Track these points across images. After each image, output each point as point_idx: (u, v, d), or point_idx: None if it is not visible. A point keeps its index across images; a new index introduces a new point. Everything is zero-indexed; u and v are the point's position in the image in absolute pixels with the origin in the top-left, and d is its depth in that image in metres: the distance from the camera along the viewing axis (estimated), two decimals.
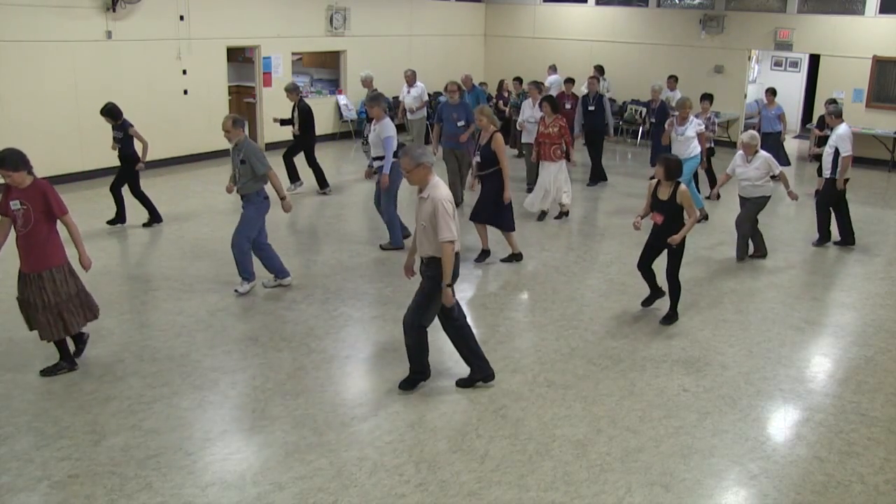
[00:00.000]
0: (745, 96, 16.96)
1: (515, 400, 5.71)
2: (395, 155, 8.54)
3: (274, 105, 14.86)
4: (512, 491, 4.63)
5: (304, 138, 11.67)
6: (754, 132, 9.08)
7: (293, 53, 15.40)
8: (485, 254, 8.84)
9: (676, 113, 10.65)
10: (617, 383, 6.02)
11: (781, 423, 5.58)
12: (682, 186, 6.97)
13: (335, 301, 7.55)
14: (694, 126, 10.40)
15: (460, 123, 10.60)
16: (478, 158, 8.48)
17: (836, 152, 9.34)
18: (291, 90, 11.60)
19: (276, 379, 5.94)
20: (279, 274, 7.78)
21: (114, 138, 9.54)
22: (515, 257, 8.82)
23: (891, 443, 5.29)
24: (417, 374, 5.83)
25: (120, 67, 12.23)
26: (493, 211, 8.48)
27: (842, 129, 9.44)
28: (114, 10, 11.92)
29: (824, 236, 9.79)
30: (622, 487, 4.69)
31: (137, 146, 9.53)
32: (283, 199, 7.42)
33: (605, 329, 7.06)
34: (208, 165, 13.39)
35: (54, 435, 5.09)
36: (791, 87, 18.23)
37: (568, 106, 13.87)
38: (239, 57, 15.31)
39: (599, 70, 16.06)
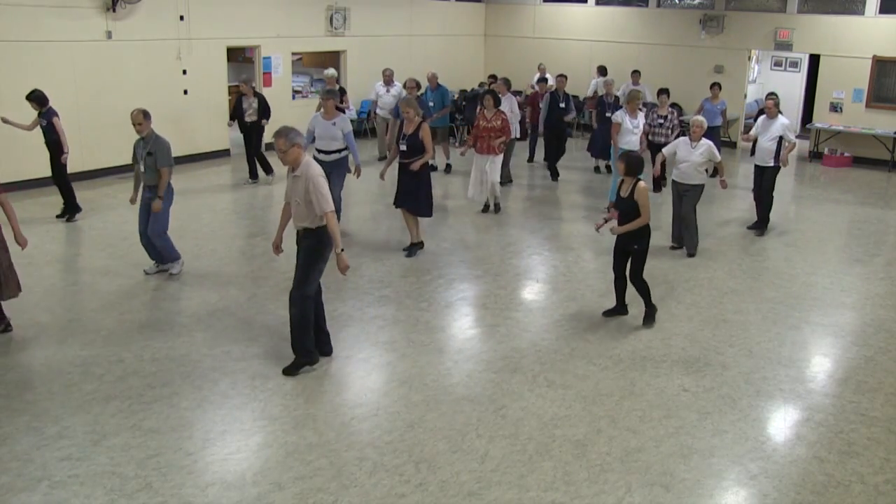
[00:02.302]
0: (745, 96, 16.95)
1: (515, 400, 5.71)
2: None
3: (274, 105, 14.82)
4: (512, 491, 4.63)
5: (259, 127, 12.13)
6: (703, 118, 9.24)
7: (293, 53, 15.40)
8: (415, 246, 9.03)
9: (626, 105, 10.85)
10: (617, 383, 6.02)
11: (781, 423, 5.58)
12: (642, 184, 6.83)
13: (335, 301, 7.54)
14: (641, 118, 10.68)
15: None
16: (403, 147, 8.61)
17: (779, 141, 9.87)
18: (244, 81, 12.16)
19: (276, 379, 5.93)
20: (161, 261, 8.12)
21: (39, 125, 9.79)
22: (417, 246, 9.03)
23: (891, 443, 5.29)
24: (303, 356, 6.04)
25: (120, 67, 12.23)
26: (417, 198, 8.78)
27: (785, 119, 10.10)
28: (114, 10, 11.92)
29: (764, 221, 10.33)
30: (622, 487, 4.69)
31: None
32: (159, 197, 7.74)
33: (605, 329, 7.06)
34: (208, 165, 13.39)
35: (54, 435, 5.09)
36: (791, 87, 18.23)
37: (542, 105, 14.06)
38: (239, 57, 15.33)
39: (602, 71, 16.17)
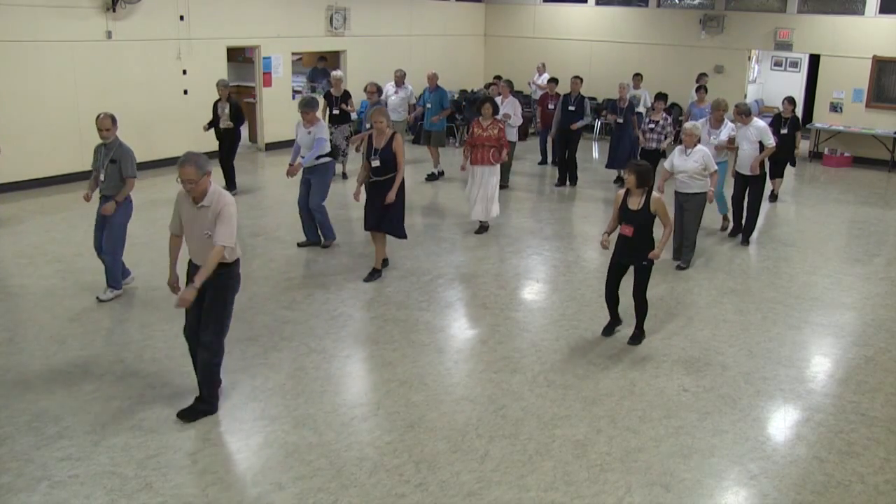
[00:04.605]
0: (745, 96, 16.96)
1: (515, 400, 5.71)
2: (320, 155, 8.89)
3: (274, 105, 14.89)
4: (512, 491, 4.63)
5: (233, 134, 11.59)
6: (696, 123, 8.91)
7: (293, 53, 15.41)
8: (377, 273, 8.27)
9: (708, 114, 10.14)
10: (617, 383, 6.02)
11: (781, 423, 5.58)
12: (656, 194, 6.48)
13: (335, 301, 7.55)
14: (728, 130, 9.82)
15: (367, 126, 10.44)
16: (377, 162, 7.84)
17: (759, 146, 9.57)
18: (224, 86, 11.53)
19: (276, 379, 5.94)
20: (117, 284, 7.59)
21: None
22: (378, 273, 8.25)
23: (891, 443, 5.29)
24: (209, 402, 5.44)
25: (120, 67, 12.24)
26: (397, 217, 8.08)
27: (761, 122, 9.83)
28: (114, 10, 11.92)
29: (741, 226, 10.03)
30: (622, 487, 4.69)
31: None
32: (118, 202, 7.19)
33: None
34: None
35: (54, 435, 5.09)
36: (791, 87, 18.24)
37: (551, 106, 13.82)
38: (239, 57, 15.34)
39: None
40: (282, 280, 8.12)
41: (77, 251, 8.87)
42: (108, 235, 7.32)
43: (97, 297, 7.45)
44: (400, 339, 6.73)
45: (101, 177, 7.23)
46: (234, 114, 11.52)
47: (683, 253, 8.84)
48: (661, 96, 11.65)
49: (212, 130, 11.65)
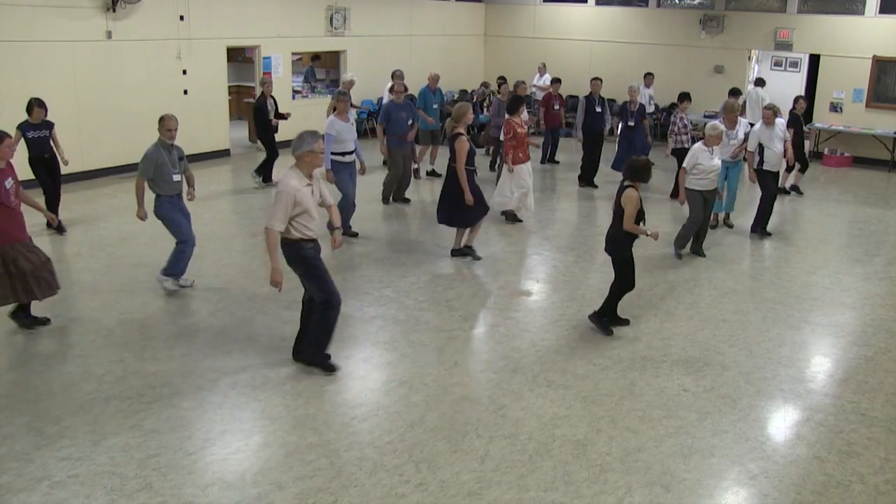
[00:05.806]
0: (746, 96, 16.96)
1: (515, 400, 5.71)
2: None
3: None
4: (512, 491, 4.63)
5: (274, 130, 12.39)
6: (717, 123, 9.02)
7: (293, 53, 15.41)
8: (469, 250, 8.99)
9: (722, 117, 10.17)
10: (617, 383, 6.02)
11: (781, 423, 5.58)
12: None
13: None
14: (744, 128, 10.05)
15: (410, 122, 10.81)
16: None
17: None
18: (266, 83, 12.40)
19: (276, 379, 5.94)
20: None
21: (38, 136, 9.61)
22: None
23: (891, 443, 5.29)
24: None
25: (120, 67, 12.24)
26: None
27: (782, 121, 10.13)
28: (114, 10, 11.93)
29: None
30: (622, 487, 4.69)
31: None
32: (193, 188, 7.77)
33: None
34: (209, 165, 13.39)
35: (54, 435, 5.09)
36: (791, 87, 18.23)
37: (557, 107, 13.81)
38: (239, 57, 15.36)
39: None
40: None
41: (77, 251, 8.87)
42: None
43: (182, 285, 7.73)
44: (400, 339, 6.73)
45: (179, 178, 7.43)
46: (277, 112, 12.40)
47: (702, 241, 9.24)
48: (685, 96, 11.71)
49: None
